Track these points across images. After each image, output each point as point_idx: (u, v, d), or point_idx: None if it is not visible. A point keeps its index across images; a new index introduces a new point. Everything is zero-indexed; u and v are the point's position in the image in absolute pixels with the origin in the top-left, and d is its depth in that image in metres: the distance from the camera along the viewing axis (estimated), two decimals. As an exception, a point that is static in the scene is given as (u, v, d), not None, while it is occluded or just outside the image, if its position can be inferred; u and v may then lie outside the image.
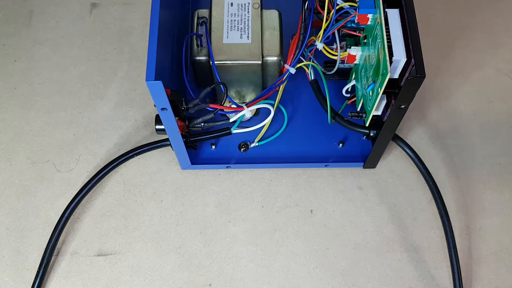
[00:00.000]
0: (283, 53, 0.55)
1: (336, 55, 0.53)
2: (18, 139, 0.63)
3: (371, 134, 0.54)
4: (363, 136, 0.60)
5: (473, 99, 0.65)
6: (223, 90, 0.51)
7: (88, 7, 0.71)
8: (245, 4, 0.55)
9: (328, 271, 0.56)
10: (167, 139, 0.59)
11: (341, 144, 0.60)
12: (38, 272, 0.55)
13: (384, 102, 0.49)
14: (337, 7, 0.50)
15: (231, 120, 0.54)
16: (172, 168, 0.61)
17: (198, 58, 0.55)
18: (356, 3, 0.49)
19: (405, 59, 0.43)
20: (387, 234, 0.58)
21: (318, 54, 0.54)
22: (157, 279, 0.56)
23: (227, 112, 0.54)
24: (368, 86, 0.47)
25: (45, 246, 0.56)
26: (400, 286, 0.56)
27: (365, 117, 0.52)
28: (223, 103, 0.51)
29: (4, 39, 0.69)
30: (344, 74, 0.59)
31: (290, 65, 0.54)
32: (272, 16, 0.56)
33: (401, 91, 0.45)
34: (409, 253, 0.57)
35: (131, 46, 0.68)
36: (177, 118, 0.49)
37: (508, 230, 0.58)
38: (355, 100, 0.54)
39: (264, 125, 0.56)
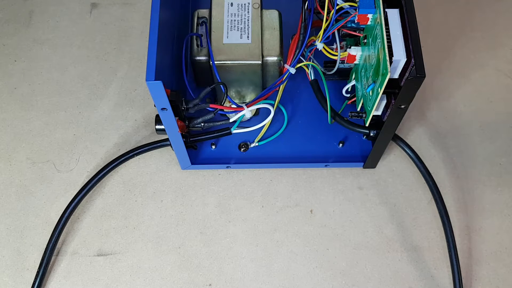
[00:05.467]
0: (283, 53, 0.55)
1: (336, 55, 0.53)
2: (18, 139, 0.63)
3: (371, 134, 0.54)
4: (363, 136, 0.60)
5: (473, 99, 0.65)
6: (223, 90, 0.51)
7: (88, 7, 0.71)
8: (245, 4, 0.56)
9: (328, 271, 0.56)
10: (167, 139, 0.59)
11: (341, 144, 0.60)
12: (38, 272, 0.55)
13: (384, 102, 0.49)
14: (337, 7, 0.50)
15: (231, 120, 0.54)
16: (172, 168, 0.61)
17: (198, 58, 0.55)
18: (356, 3, 0.49)
19: (405, 59, 0.43)
20: (387, 234, 0.58)
21: (318, 54, 0.54)
22: (157, 279, 0.56)
23: (227, 112, 0.54)
24: (368, 86, 0.47)
25: (45, 246, 0.56)
26: (400, 286, 0.56)
27: (365, 117, 0.52)
28: (223, 103, 0.51)
29: (4, 39, 0.69)
30: (344, 74, 0.59)
31: (290, 65, 0.54)
32: (272, 16, 0.56)
33: (401, 91, 0.45)
34: (409, 253, 0.57)
35: (131, 46, 0.68)
36: (177, 118, 0.49)
37: (508, 230, 0.58)
38: (355, 100, 0.54)
39: (264, 125, 0.56)
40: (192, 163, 0.59)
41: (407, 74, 0.44)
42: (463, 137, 0.63)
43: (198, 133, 0.56)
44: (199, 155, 0.60)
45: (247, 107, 0.53)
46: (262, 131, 0.59)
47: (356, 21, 0.48)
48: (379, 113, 0.50)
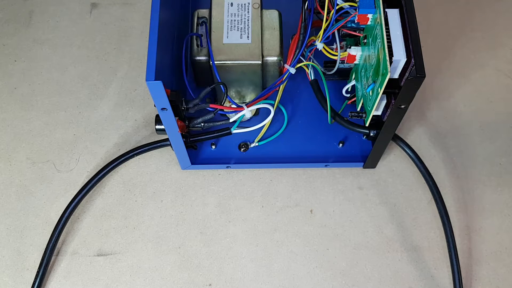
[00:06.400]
0: (283, 53, 0.55)
1: (336, 55, 0.53)
2: (18, 139, 0.63)
3: (371, 134, 0.54)
4: (363, 136, 0.60)
5: (473, 99, 0.65)
6: (223, 90, 0.51)
7: (88, 7, 0.71)
8: (245, 4, 0.55)
9: (328, 271, 0.56)
10: (167, 139, 0.59)
11: (341, 144, 0.60)
12: (38, 272, 0.55)
13: (384, 102, 0.49)
14: (337, 7, 0.50)
15: (231, 120, 0.54)
16: (172, 168, 0.61)
17: (198, 58, 0.55)
18: (356, 3, 0.49)
19: (405, 59, 0.43)
20: (387, 234, 0.58)
21: (318, 54, 0.54)
22: (157, 279, 0.56)
23: (227, 112, 0.54)
24: (368, 86, 0.47)
25: (45, 246, 0.56)
26: (400, 286, 0.56)
27: (365, 117, 0.52)
28: (223, 103, 0.51)
29: (4, 39, 0.69)
30: (344, 74, 0.59)
31: (290, 65, 0.54)
32: (272, 16, 0.56)
33: (401, 91, 0.45)
34: (409, 253, 0.57)
35: (131, 46, 0.68)
36: (177, 118, 0.49)
37: (508, 230, 0.58)
38: (355, 100, 0.54)
39: (264, 125, 0.56)
40: (192, 163, 0.59)
41: (407, 74, 0.44)
42: (463, 137, 0.63)
43: (198, 133, 0.56)
44: (199, 155, 0.60)
45: (247, 107, 0.53)
46: (262, 131, 0.59)
47: (356, 21, 0.48)
48: (379, 113, 0.50)
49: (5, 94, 0.65)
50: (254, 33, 0.54)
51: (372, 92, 0.47)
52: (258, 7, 0.55)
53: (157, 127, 0.52)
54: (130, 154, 0.60)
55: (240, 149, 0.60)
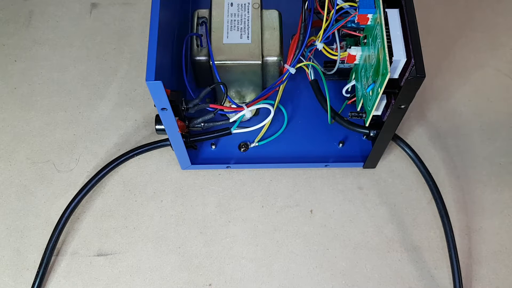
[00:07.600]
0: (283, 53, 0.55)
1: (336, 55, 0.53)
2: (18, 139, 0.63)
3: (371, 134, 0.54)
4: (363, 136, 0.60)
5: (473, 99, 0.65)
6: (223, 90, 0.51)
7: (88, 7, 0.71)
8: (245, 4, 0.55)
9: (328, 271, 0.56)
10: (167, 139, 0.59)
11: (341, 144, 0.60)
12: (38, 272, 0.55)
13: (384, 102, 0.49)
14: (337, 7, 0.50)
15: (231, 120, 0.54)
16: (172, 168, 0.61)
17: (198, 58, 0.55)
18: (356, 3, 0.49)
19: (405, 59, 0.43)
20: (387, 234, 0.58)
21: (318, 54, 0.54)
22: (157, 279, 0.56)
23: (227, 112, 0.54)
24: (368, 86, 0.47)
25: (45, 246, 0.56)
26: (400, 286, 0.56)
27: (365, 117, 0.52)
28: (223, 103, 0.51)
29: (4, 39, 0.69)
30: (344, 74, 0.59)
31: (290, 65, 0.54)
32: (272, 16, 0.56)
33: (401, 91, 0.45)
34: (409, 253, 0.57)
35: (131, 46, 0.68)
36: (177, 118, 0.49)
37: (508, 230, 0.58)
38: (355, 100, 0.54)
39: (264, 125, 0.56)
40: (192, 163, 0.59)
41: (407, 74, 0.44)
42: (463, 137, 0.63)
43: (198, 133, 0.56)
44: (199, 155, 0.60)
45: (247, 107, 0.53)
46: (262, 131, 0.59)
47: (356, 21, 0.48)
48: (379, 113, 0.50)
49: (5, 94, 0.65)
50: (254, 33, 0.54)
51: (372, 92, 0.47)
52: (258, 7, 0.55)
53: (157, 127, 0.52)
54: (130, 154, 0.60)
55: (240, 149, 0.60)
